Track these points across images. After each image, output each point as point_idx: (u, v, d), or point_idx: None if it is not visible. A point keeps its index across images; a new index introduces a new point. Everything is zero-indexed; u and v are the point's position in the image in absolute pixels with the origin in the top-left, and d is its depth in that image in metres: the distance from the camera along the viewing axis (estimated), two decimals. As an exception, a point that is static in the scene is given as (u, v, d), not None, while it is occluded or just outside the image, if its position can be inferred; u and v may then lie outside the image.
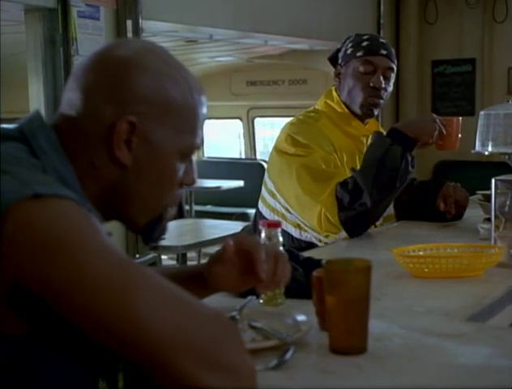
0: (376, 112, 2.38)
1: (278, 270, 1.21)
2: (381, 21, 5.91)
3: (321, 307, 1.22)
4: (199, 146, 1.10)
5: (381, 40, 2.37)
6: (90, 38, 3.58)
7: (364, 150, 2.39)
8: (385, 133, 2.59)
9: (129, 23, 3.80)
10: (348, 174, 2.21)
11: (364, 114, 2.34)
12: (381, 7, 5.91)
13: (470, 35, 6.05)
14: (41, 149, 0.98)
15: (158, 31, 4.52)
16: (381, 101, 2.34)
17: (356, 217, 2.13)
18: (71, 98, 1.03)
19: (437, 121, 2.21)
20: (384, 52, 2.32)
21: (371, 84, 2.29)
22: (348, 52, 2.35)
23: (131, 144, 1.01)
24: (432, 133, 2.19)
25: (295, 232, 2.29)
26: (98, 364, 0.98)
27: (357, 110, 2.33)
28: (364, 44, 2.32)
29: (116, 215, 1.08)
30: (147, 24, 3.94)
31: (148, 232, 1.12)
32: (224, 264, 1.21)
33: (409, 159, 2.14)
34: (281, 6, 4.92)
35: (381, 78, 2.30)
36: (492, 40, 5.99)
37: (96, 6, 3.64)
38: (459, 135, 2.25)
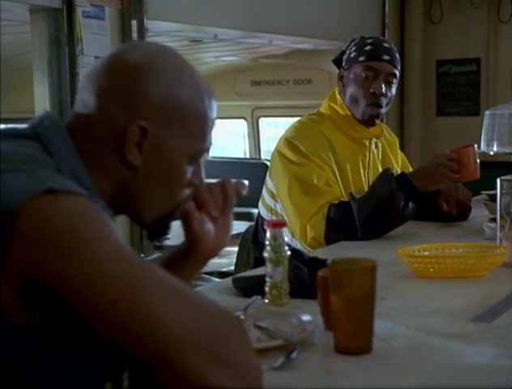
0: (378, 120, 2.37)
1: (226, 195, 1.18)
2: (386, 21, 5.90)
3: (326, 307, 1.22)
4: (208, 149, 1.12)
5: (385, 44, 2.34)
6: (95, 38, 3.58)
7: (367, 152, 2.38)
8: (391, 134, 2.60)
9: (134, 22, 3.81)
10: (338, 194, 2.20)
11: (366, 123, 2.34)
12: (386, 7, 5.90)
13: (475, 35, 6.04)
14: (55, 147, 1.00)
15: (163, 31, 4.53)
16: (382, 110, 2.32)
17: (341, 239, 2.13)
18: (85, 99, 1.06)
19: (444, 161, 2.14)
20: (386, 57, 2.29)
21: (371, 90, 2.27)
22: (352, 55, 2.33)
23: (142, 148, 1.03)
24: (440, 179, 2.16)
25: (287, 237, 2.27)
26: (104, 364, 0.98)
27: (359, 117, 2.33)
28: (367, 48, 2.30)
29: (124, 211, 1.11)
30: (151, 24, 3.94)
31: (154, 230, 1.15)
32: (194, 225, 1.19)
33: (410, 207, 2.12)
34: (286, 6, 4.91)
35: (382, 84, 2.28)
36: (497, 40, 5.97)
37: (100, 6, 3.65)
38: (477, 162, 2.14)
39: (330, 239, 2.13)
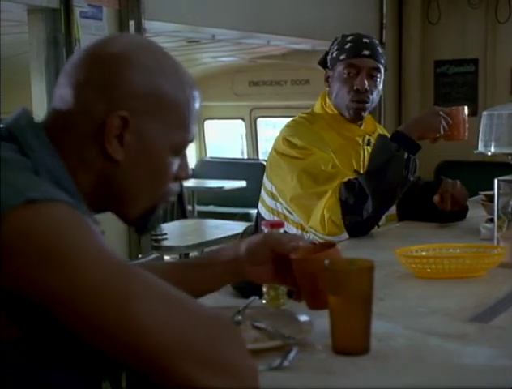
0: (365, 114, 2.37)
1: None
2: (384, 21, 5.90)
3: (307, 286, 1.23)
4: (191, 140, 1.10)
5: (365, 39, 2.34)
6: (92, 38, 3.50)
7: (360, 150, 2.39)
8: (385, 132, 2.61)
9: (131, 23, 3.80)
10: (349, 174, 2.21)
11: (352, 119, 2.35)
12: (384, 7, 5.90)
13: (473, 35, 6.04)
14: (31, 147, 0.97)
15: (160, 31, 4.52)
16: (367, 104, 2.33)
17: (361, 222, 2.13)
18: (62, 94, 1.03)
19: (441, 113, 2.20)
20: (366, 52, 2.30)
21: (355, 87, 2.29)
22: (334, 55, 2.35)
23: (123, 140, 1.01)
24: (437, 127, 2.18)
25: (296, 233, 2.28)
26: (101, 364, 0.98)
27: (345, 114, 2.34)
28: (347, 46, 2.32)
29: (108, 207, 1.08)
30: (149, 25, 3.93)
31: (141, 224, 1.11)
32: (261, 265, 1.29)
33: (410, 166, 2.12)
34: (284, 7, 4.91)
35: (365, 79, 2.29)
36: (495, 41, 5.98)
37: (98, 6, 3.64)
38: (467, 125, 2.23)
39: (349, 223, 2.12)
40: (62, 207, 0.87)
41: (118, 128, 1.00)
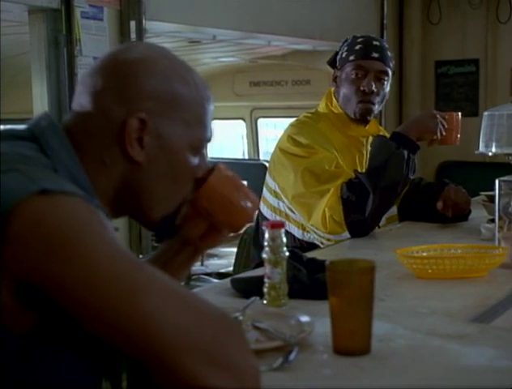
0: (370, 117, 2.38)
1: None
2: (385, 22, 5.90)
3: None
4: (210, 139, 1.13)
5: (375, 42, 2.36)
6: (93, 39, 3.58)
7: (364, 151, 2.40)
8: (387, 135, 2.61)
9: (132, 23, 3.80)
10: (352, 174, 2.21)
11: (359, 121, 2.36)
12: (385, 8, 5.90)
13: (473, 35, 6.04)
14: (51, 147, 1.00)
15: (161, 31, 4.53)
16: (374, 107, 2.34)
17: (362, 221, 2.13)
18: (80, 102, 1.06)
19: (438, 116, 2.22)
20: (376, 55, 2.31)
21: (362, 88, 2.30)
22: (343, 55, 2.36)
23: (143, 141, 1.04)
24: (434, 129, 2.20)
25: (297, 233, 2.29)
26: (102, 364, 0.98)
27: (352, 116, 2.34)
28: (357, 47, 2.32)
29: (129, 211, 1.11)
30: (150, 25, 3.93)
31: (162, 230, 1.15)
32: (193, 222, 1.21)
33: (410, 165, 2.15)
34: (284, 7, 4.91)
35: (373, 81, 2.30)
36: (496, 41, 5.97)
37: (99, 6, 3.64)
38: (460, 130, 2.27)
39: (350, 222, 2.12)
40: (76, 200, 0.89)
41: (137, 130, 1.03)
